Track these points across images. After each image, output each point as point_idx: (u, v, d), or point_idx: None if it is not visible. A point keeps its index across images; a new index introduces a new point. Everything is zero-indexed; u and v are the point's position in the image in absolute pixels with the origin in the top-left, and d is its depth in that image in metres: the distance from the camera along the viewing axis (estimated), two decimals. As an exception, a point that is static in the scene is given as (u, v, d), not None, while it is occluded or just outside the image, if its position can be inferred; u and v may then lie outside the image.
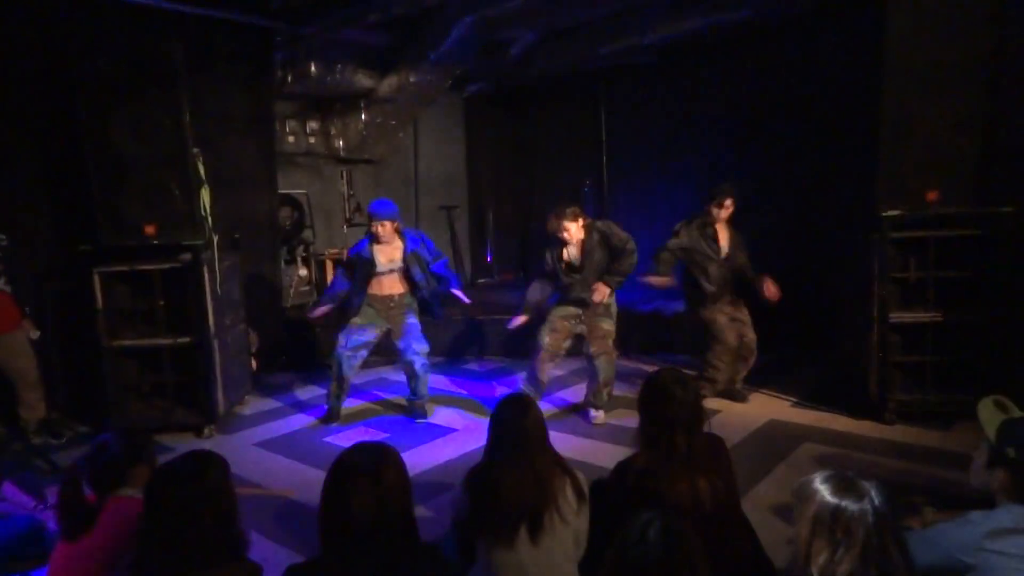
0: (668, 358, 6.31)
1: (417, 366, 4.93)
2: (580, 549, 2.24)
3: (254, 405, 5.60)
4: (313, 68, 7.03)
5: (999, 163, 4.14)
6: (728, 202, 4.91)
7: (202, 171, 4.66)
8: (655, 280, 4.99)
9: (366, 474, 1.67)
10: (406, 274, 4.92)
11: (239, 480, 3.26)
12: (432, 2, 5.98)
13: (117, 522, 2.09)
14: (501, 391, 5.64)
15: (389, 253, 4.87)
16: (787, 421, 4.69)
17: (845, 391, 4.93)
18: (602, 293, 4.65)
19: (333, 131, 8.21)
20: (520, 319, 5.00)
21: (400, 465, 1.75)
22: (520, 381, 5.22)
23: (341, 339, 4.90)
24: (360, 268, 4.88)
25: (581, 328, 4.83)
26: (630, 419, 4.43)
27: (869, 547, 1.44)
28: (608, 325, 4.77)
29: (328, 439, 4.72)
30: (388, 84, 7.64)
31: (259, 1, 6.01)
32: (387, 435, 4.74)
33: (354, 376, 5.09)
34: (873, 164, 4.38)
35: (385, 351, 5.37)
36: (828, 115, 6.26)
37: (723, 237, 5.01)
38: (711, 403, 4.83)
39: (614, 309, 4.84)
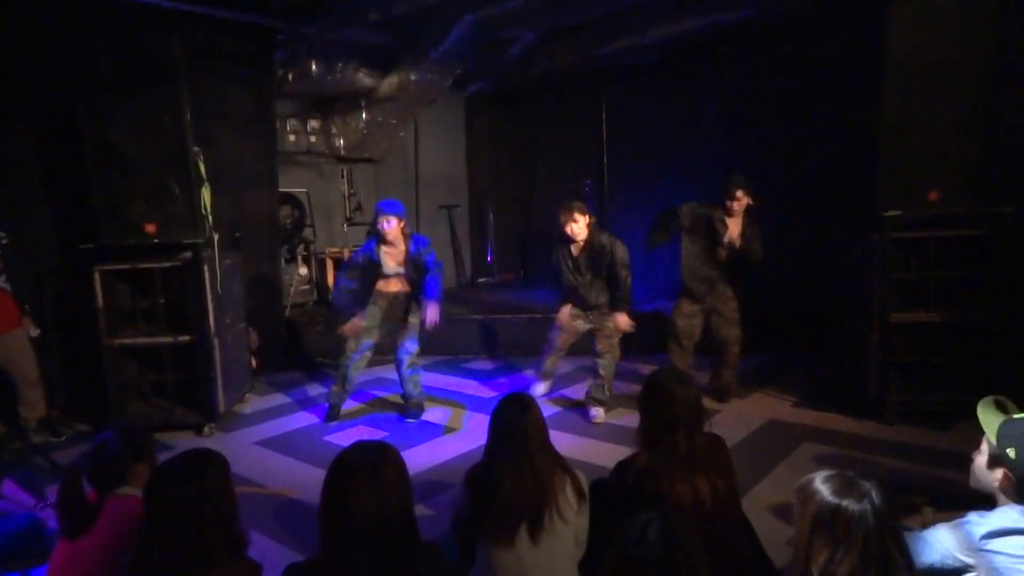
0: (668, 358, 6.29)
1: (401, 368, 4.97)
2: (580, 549, 2.24)
3: (254, 404, 5.60)
4: (314, 67, 7.03)
5: (999, 163, 4.14)
6: (739, 193, 4.75)
7: (203, 170, 4.66)
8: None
9: (366, 473, 1.67)
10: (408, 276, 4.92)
11: (239, 479, 3.26)
12: (433, 1, 5.97)
13: (117, 521, 2.09)
14: (501, 390, 5.64)
15: (396, 256, 4.85)
16: (787, 421, 4.69)
17: (845, 391, 4.93)
18: (625, 322, 4.79)
19: (334, 130, 8.22)
20: (566, 311, 4.96)
21: (400, 464, 1.75)
22: (532, 376, 5.55)
23: (351, 344, 4.89)
24: (368, 270, 4.88)
25: (588, 326, 4.92)
26: (630, 418, 4.45)
27: (869, 547, 1.44)
28: (614, 324, 4.81)
29: (328, 438, 4.72)
30: (389, 83, 7.64)
31: (260, 0, 6.01)
32: (386, 434, 4.74)
33: (359, 376, 5.10)
34: (874, 164, 4.38)
35: (388, 350, 5.36)
36: (829, 115, 6.25)
37: (733, 229, 4.88)
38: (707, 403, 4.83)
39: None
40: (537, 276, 9.20)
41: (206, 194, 4.67)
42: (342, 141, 8.25)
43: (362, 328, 4.80)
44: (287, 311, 7.09)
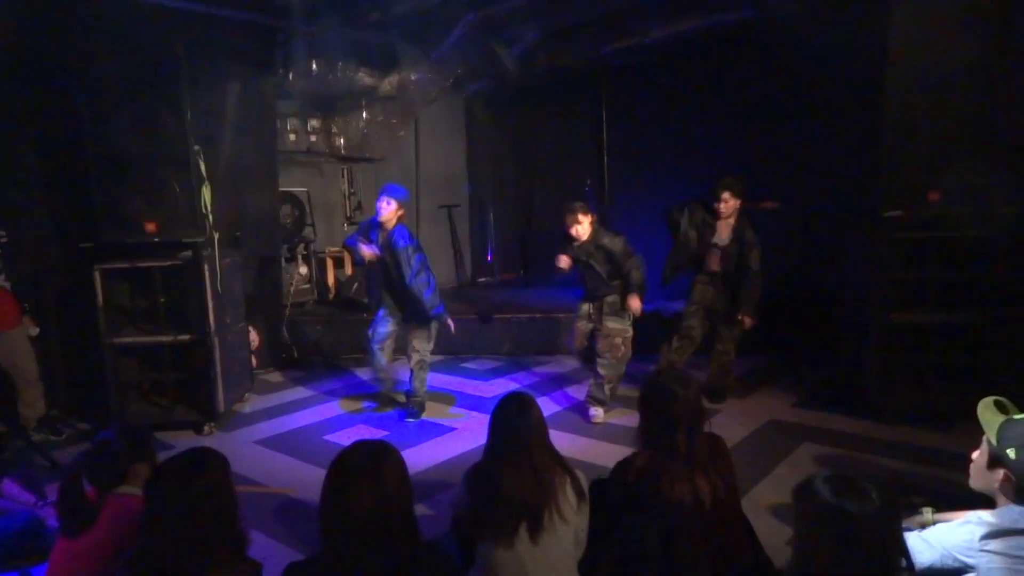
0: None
1: (411, 364, 5.02)
2: (580, 548, 2.24)
3: (254, 403, 5.60)
4: (314, 66, 7.03)
5: (999, 163, 4.14)
6: (724, 195, 4.82)
7: (203, 168, 4.65)
8: None
9: (366, 472, 1.67)
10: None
11: (239, 478, 3.26)
12: (433, 1, 5.97)
13: (117, 519, 2.10)
14: (501, 390, 5.65)
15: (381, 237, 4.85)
16: (787, 421, 4.69)
17: (845, 391, 4.93)
18: (636, 305, 4.72)
19: (334, 129, 8.22)
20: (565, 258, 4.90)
21: (400, 463, 1.75)
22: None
23: (370, 331, 5.01)
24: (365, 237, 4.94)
25: (591, 326, 4.93)
26: (630, 418, 4.45)
27: (869, 547, 1.44)
28: (614, 323, 4.79)
29: (328, 437, 4.73)
30: (389, 83, 7.64)
31: (260, -1, 6.02)
32: (387, 433, 4.74)
33: (389, 360, 5.13)
34: (874, 164, 4.38)
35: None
36: (829, 115, 6.24)
37: (723, 232, 4.93)
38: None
39: (619, 306, 4.80)
40: (537, 276, 9.19)
41: (206, 193, 4.67)
42: (342, 140, 8.25)
43: (375, 255, 4.84)
44: (287, 310, 7.08)
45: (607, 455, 3.71)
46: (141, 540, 1.71)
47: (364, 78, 7.54)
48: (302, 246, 7.72)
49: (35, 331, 4.84)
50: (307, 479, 3.88)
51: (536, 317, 7.01)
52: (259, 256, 6.53)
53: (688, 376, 2.37)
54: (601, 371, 4.81)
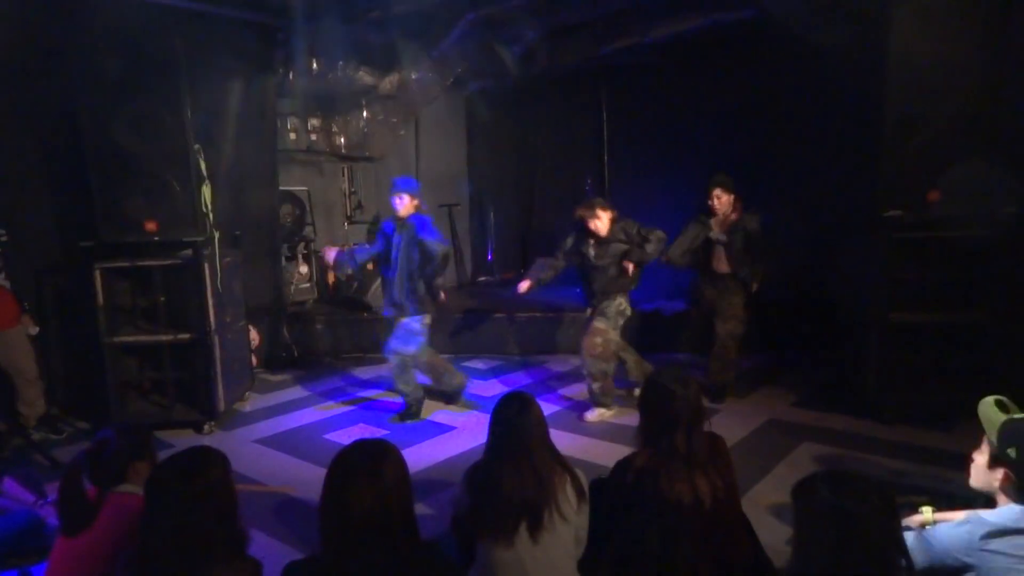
0: (668, 357, 6.31)
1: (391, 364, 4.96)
2: (579, 547, 2.24)
3: (254, 402, 5.60)
4: (315, 65, 7.03)
5: (999, 163, 4.14)
6: (716, 191, 4.91)
7: (203, 167, 4.65)
8: None
9: (366, 471, 1.67)
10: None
11: (239, 477, 3.26)
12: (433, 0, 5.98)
13: (117, 518, 2.10)
14: (501, 389, 5.65)
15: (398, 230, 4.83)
16: (787, 420, 4.69)
17: (845, 391, 4.93)
18: (626, 268, 4.72)
19: (334, 128, 8.21)
20: (524, 284, 5.02)
21: (400, 462, 1.75)
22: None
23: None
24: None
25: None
26: (629, 418, 4.45)
27: (869, 547, 1.44)
28: (601, 323, 4.77)
29: (328, 436, 4.73)
30: (389, 82, 7.64)
31: (261, -2, 6.01)
32: (387, 432, 4.74)
33: (423, 360, 5.06)
34: (874, 164, 4.37)
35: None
36: (829, 115, 6.25)
37: (722, 227, 4.97)
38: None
39: (614, 310, 4.82)
40: (534, 265, 9.19)
41: (206, 192, 4.67)
42: (343, 139, 8.25)
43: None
44: (287, 309, 7.09)
45: (607, 454, 3.71)
46: (141, 539, 1.71)
47: (364, 77, 7.54)
48: (302, 245, 7.72)
49: (35, 330, 4.84)
50: (307, 478, 3.88)
51: (536, 316, 7.01)
52: (259, 255, 6.53)
53: (688, 376, 2.37)
54: (584, 369, 4.83)
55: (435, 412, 5.15)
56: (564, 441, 4.13)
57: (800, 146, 6.73)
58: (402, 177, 5.02)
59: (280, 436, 4.78)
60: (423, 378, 5.14)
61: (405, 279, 4.73)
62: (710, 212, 4.99)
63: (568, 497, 2.19)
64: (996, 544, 1.77)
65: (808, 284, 6.43)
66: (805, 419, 4.70)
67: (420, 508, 3.04)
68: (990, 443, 1.99)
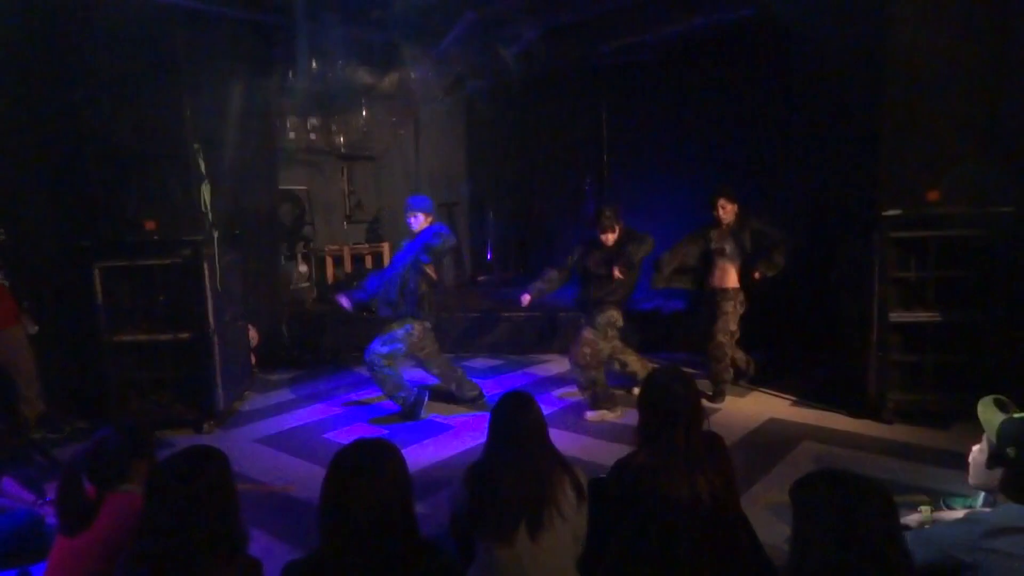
0: (667, 356, 6.31)
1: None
2: (579, 546, 2.24)
3: (254, 401, 5.60)
4: (314, 64, 7.03)
5: (999, 163, 4.14)
6: (720, 202, 4.97)
7: (202, 167, 4.66)
8: None
9: (366, 470, 1.67)
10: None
11: (239, 476, 3.26)
12: (434, -1, 5.99)
13: (117, 517, 2.09)
14: (501, 388, 5.64)
15: None
16: (787, 420, 4.69)
17: (845, 390, 4.93)
18: (616, 274, 4.75)
19: (334, 127, 8.22)
20: (526, 297, 5.16)
21: (400, 461, 1.75)
22: None
23: None
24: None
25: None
26: (629, 417, 4.45)
27: (869, 546, 1.44)
28: (589, 333, 4.86)
29: (327, 435, 4.73)
30: (389, 81, 7.64)
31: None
32: (386, 431, 4.74)
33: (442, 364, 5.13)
34: (874, 164, 4.37)
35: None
36: (829, 114, 6.24)
37: (725, 238, 5.04)
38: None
39: (604, 320, 4.86)
40: (537, 274, 9.18)
41: (206, 191, 4.67)
42: (342, 138, 8.26)
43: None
44: (287, 309, 7.09)
45: (606, 453, 3.71)
46: (141, 538, 1.71)
47: (364, 76, 7.55)
48: (302, 244, 7.73)
49: (34, 329, 4.83)
50: (307, 477, 3.88)
51: (536, 316, 7.00)
52: (259, 254, 6.53)
53: (687, 375, 2.37)
54: (575, 376, 4.91)
55: (435, 412, 5.14)
56: (564, 441, 4.14)
57: (800, 145, 6.73)
58: (416, 196, 5.07)
59: (280, 435, 4.78)
60: (427, 379, 5.13)
61: (406, 279, 4.79)
62: (715, 223, 5.04)
63: (568, 496, 2.19)
64: (995, 543, 1.77)
65: (808, 283, 6.43)
66: (805, 418, 4.70)
67: (420, 507, 3.03)
68: (989, 442, 1.99)
